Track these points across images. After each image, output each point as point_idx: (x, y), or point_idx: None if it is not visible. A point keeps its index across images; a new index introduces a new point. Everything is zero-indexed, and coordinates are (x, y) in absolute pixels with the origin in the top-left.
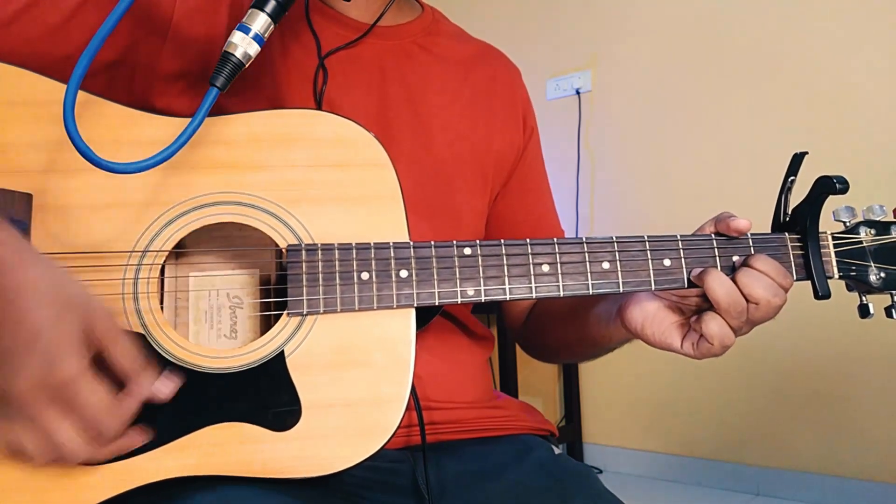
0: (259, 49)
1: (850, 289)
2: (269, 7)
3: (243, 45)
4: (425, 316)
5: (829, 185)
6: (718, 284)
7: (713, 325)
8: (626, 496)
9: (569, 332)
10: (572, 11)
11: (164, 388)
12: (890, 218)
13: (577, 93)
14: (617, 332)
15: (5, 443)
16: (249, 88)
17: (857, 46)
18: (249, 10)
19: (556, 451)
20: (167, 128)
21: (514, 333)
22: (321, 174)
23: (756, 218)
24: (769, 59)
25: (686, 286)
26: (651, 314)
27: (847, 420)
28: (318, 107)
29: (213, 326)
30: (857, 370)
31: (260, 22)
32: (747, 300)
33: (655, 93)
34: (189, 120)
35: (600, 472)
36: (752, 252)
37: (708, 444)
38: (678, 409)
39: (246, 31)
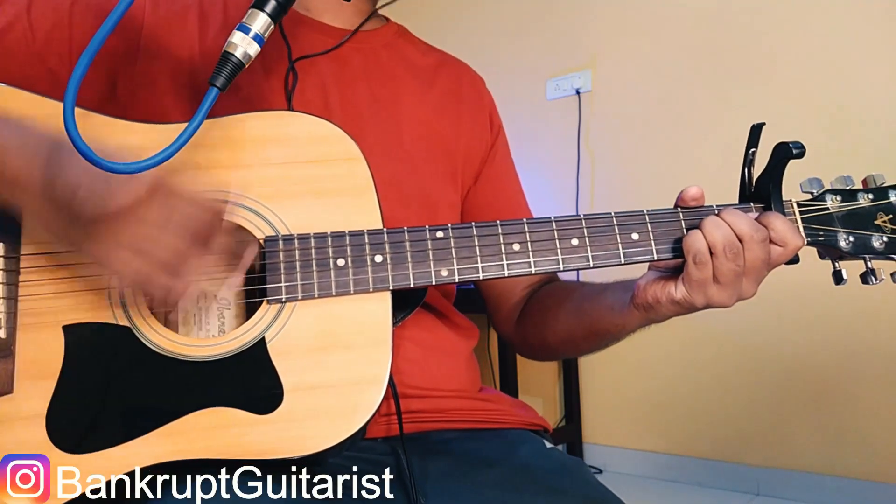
0: (259, 49)
1: (822, 256)
2: (269, 7)
3: (243, 45)
4: (406, 305)
5: (786, 151)
6: (714, 226)
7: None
8: (626, 496)
9: (574, 326)
10: (572, 11)
11: None
12: (858, 187)
13: (577, 93)
14: (631, 319)
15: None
16: (229, 90)
17: (856, 46)
18: (249, 10)
19: (548, 445)
20: (160, 133)
21: (507, 334)
22: (297, 170)
23: None
24: (769, 58)
25: (656, 258)
26: (652, 279)
27: (848, 420)
28: (289, 105)
29: (201, 328)
30: (858, 370)
31: (260, 22)
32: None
33: (655, 93)
34: (178, 124)
35: (600, 471)
36: None
37: (708, 444)
38: (678, 409)
39: (246, 31)
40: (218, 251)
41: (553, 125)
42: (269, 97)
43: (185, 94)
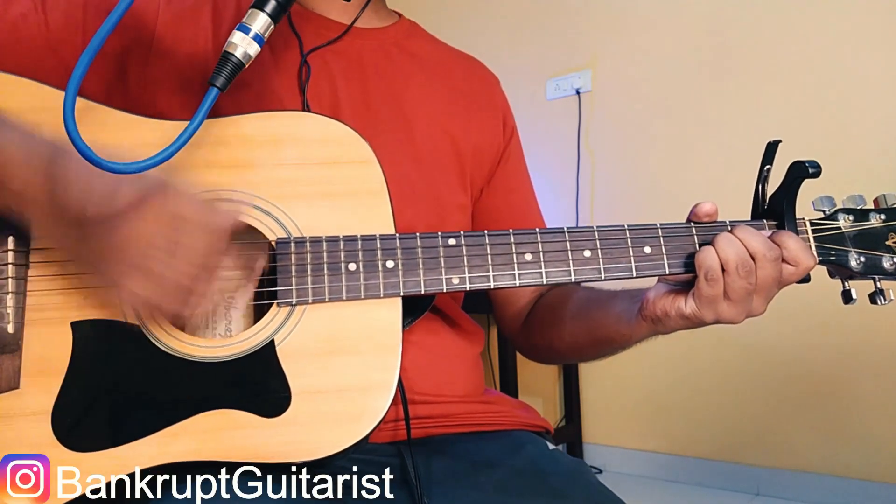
0: (259, 49)
1: (832, 275)
2: (269, 7)
3: (243, 45)
4: (415, 309)
5: (802, 170)
6: (727, 243)
7: (704, 255)
8: (626, 496)
9: (579, 333)
10: (572, 11)
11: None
12: (869, 206)
13: (577, 93)
14: (638, 330)
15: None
16: (238, 85)
17: (857, 46)
18: (249, 10)
19: (551, 447)
20: (164, 131)
21: (512, 336)
22: (309, 172)
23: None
24: (769, 58)
25: (667, 272)
26: (662, 292)
27: (847, 420)
28: (303, 99)
29: (208, 326)
30: (858, 370)
31: (260, 22)
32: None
33: (655, 93)
34: (184, 122)
35: (600, 472)
36: None
37: (708, 444)
38: (678, 409)
39: (246, 31)
40: (228, 268)
41: (553, 125)
42: (280, 94)
43: (196, 90)
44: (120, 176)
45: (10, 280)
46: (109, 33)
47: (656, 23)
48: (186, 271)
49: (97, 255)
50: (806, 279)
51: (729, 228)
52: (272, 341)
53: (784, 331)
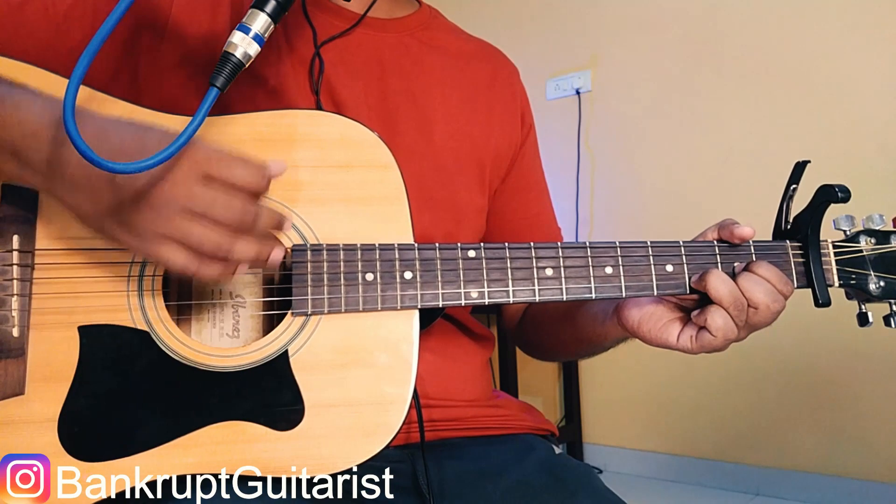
0: (259, 49)
1: (849, 297)
2: (269, 7)
3: (243, 46)
4: (427, 317)
5: (830, 194)
6: (721, 283)
7: (718, 318)
8: (626, 496)
9: (564, 331)
10: (572, 11)
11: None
12: (890, 227)
13: (577, 93)
14: (613, 331)
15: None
16: (251, 80)
17: (857, 47)
18: (249, 10)
19: (557, 450)
20: (171, 126)
21: (510, 332)
22: (326, 175)
23: (755, 218)
24: (769, 59)
25: (688, 292)
26: (648, 312)
27: (847, 420)
28: (316, 95)
29: (215, 325)
30: (858, 370)
31: (260, 22)
32: (748, 304)
33: (655, 93)
34: (188, 117)
35: (600, 472)
36: (754, 259)
37: (708, 444)
38: (678, 409)
39: (246, 31)
40: (261, 231)
41: (553, 125)
42: (295, 90)
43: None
44: (147, 135)
45: (14, 282)
46: (114, 27)
47: (656, 23)
48: (222, 237)
49: (125, 223)
50: (826, 303)
51: (752, 250)
52: (286, 352)
53: (784, 331)
